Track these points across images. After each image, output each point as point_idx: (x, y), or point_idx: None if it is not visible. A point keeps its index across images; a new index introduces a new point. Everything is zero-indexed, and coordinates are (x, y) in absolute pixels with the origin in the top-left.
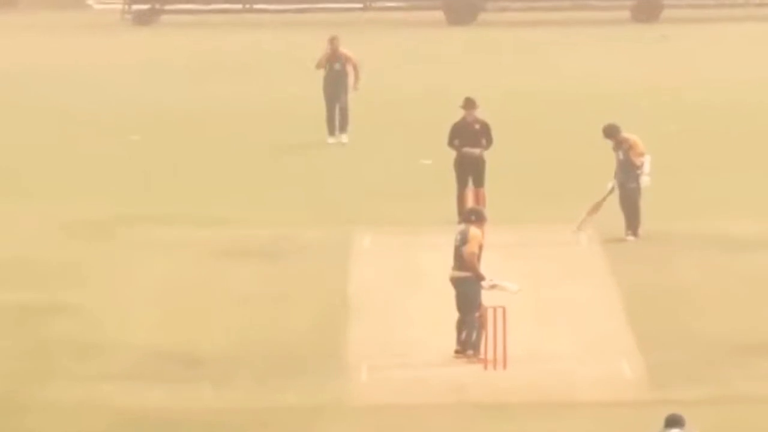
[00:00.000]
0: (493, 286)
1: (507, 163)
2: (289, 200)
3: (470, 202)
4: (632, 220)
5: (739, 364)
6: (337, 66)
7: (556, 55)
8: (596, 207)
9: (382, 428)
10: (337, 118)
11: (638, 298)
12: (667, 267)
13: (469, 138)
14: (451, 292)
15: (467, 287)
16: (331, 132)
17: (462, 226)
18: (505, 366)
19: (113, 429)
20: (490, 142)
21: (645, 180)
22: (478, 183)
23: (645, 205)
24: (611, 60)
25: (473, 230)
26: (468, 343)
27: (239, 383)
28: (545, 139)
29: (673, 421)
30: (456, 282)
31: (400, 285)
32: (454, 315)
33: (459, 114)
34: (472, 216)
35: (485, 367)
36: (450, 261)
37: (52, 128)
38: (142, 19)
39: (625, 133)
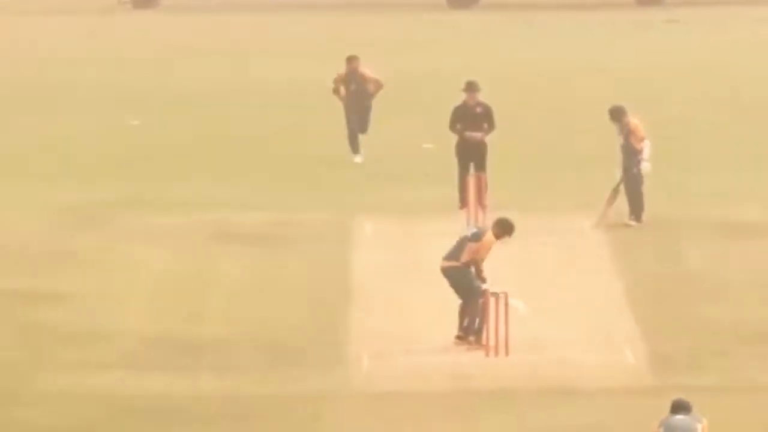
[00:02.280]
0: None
1: (509, 147)
2: (289, 186)
3: (472, 187)
4: (635, 206)
5: (743, 351)
6: (352, 87)
7: (560, 39)
8: (612, 197)
9: (384, 416)
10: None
11: (642, 286)
12: (671, 254)
13: (471, 122)
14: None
15: (455, 275)
16: (355, 150)
17: (481, 226)
18: (507, 353)
19: (108, 418)
20: (492, 126)
21: (645, 166)
22: (480, 167)
23: (649, 191)
24: (617, 44)
25: (489, 236)
26: (470, 330)
27: (238, 371)
28: (549, 124)
29: (679, 406)
30: (445, 271)
31: (401, 272)
32: (456, 302)
33: (461, 97)
34: (497, 226)
35: (487, 355)
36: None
37: (48, 112)
38: (142, 3)
39: (629, 117)
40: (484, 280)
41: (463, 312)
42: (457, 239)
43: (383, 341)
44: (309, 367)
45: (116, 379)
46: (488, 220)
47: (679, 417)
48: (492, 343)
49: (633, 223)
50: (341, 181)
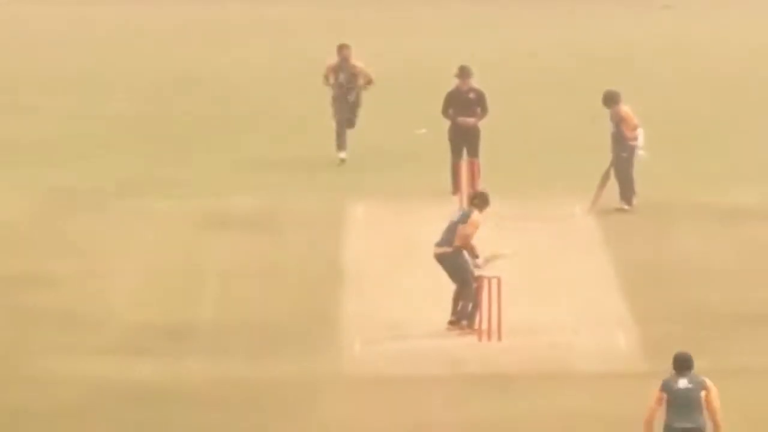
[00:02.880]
0: (488, 260)
1: (502, 132)
2: (281, 169)
3: (465, 173)
4: (625, 190)
5: (736, 335)
6: (341, 78)
7: (555, 22)
8: (603, 182)
9: (376, 400)
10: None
11: (634, 270)
12: (664, 238)
13: (464, 107)
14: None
15: (450, 261)
16: (340, 147)
17: (465, 207)
18: (500, 338)
19: (100, 402)
20: (485, 111)
21: (641, 154)
22: (473, 153)
23: (643, 175)
24: (612, 28)
25: (476, 215)
26: (463, 314)
27: (230, 355)
28: (543, 109)
29: (682, 364)
30: (439, 258)
31: (393, 256)
32: (449, 287)
33: (453, 83)
34: (475, 200)
35: (480, 339)
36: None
37: (40, 95)
38: None
39: (621, 105)
40: (477, 257)
41: (457, 297)
42: (447, 224)
43: (375, 326)
44: (300, 351)
45: (106, 363)
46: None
47: (683, 385)
48: (485, 327)
49: (625, 206)
50: (333, 166)
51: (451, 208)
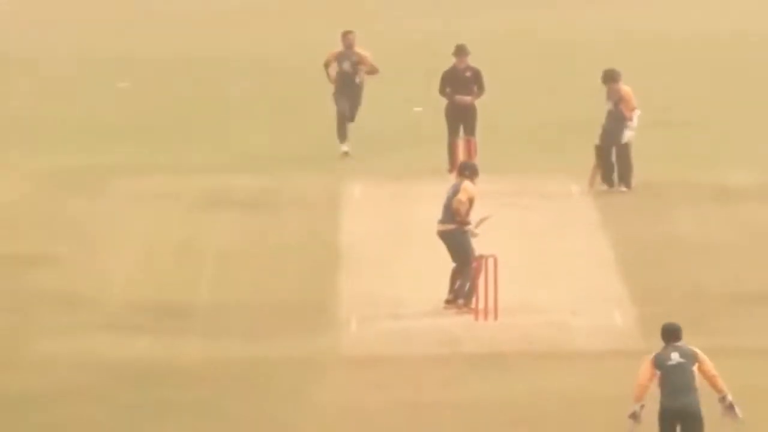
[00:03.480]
0: (478, 224)
1: (499, 111)
2: (278, 150)
3: (461, 151)
4: (624, 172)
5: (732, 314)
6: (345, 65)
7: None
8: (599, 162)
9: (372, 380)
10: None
11: (631, 249)
12: (661, 218)
13: (461, 86)
14: (442, 244)
15: (453, 238)
16: (342, 139)
17: (455, 180)
18: (496, 317)
19: (99, 382)
20: (481, 89)
21: (628, 134)
22: (470, 131)
23: (640, 156)
24: (610, 9)
25: (466, 183)
26: (460, 293)
27: (227, 335)
28: (539, 87)
29: (672, 334)
30: (442, 235)
31: (391, 236)
32: (447, 266)
33: (450, 61)
34: (465, 171)
35: (476, 318)
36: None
37: (36, 76)
38: None
39: (621, 84)
40: (467, 223)
41: (455, 275)
42: (444, 201)
43: (372, 305)
44: (298, 331)
45: (106, 344)
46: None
47: (675, 360)
48: (482, 307)
49: (623, 189)
50: (330, 145)
51: (447, 185)
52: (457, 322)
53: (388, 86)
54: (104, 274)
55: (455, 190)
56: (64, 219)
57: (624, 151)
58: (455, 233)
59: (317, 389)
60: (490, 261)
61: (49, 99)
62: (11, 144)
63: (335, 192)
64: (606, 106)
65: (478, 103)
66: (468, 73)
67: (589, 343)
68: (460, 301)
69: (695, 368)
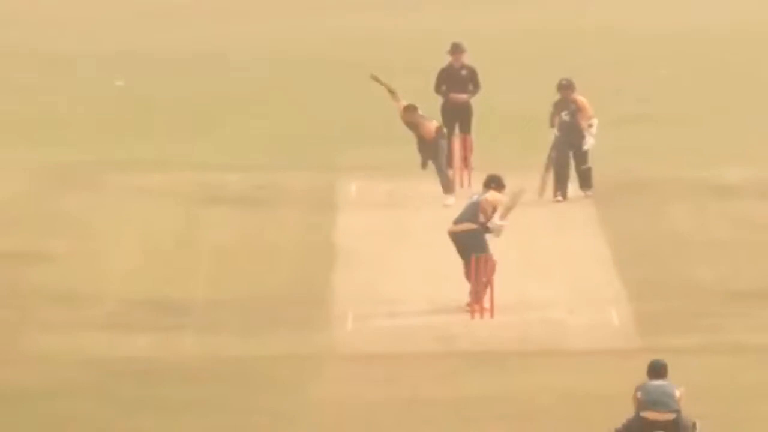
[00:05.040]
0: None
1: (494, 108)
2: (274, 146)
3: (457, 148)
4: (587, 177)
5: (729, 312)
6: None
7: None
8: (548, 167)
9: (368, 378)
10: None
11: (627, 247)
12: (657, 215)
13: (456, 84)
14: (438, 241)
15: (473, 238)
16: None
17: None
18: (492, 315)
19: (95, 379)
20: (477, 87)
21: (590, 141)
22: (465, 129)
23: (633, 153)
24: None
25: (493, 194)
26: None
27: (223, 332)
28: (534, 84)
29: (654, 370)
30: (458, 235)
31: (386, 233)
32: (442, 264)
33: (446, 59)
34: (492, 183)
35: (472, 316)
36: (441, 213)
37: (32, 72)
38: None
39: (577, 94)
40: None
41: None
42: (466, 205)
43: (368, 303)
44: (294, 328)
45: (102, 340)
46: (474, 180)
47: (656, 382)
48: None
49: (590, 192)
50: (326, 142)
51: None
52: (454, 319)
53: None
54: (101, 270)
55: (481, 200)
56: (60, 215)
57: (585, 158)
58: (473, 233)
59: (314, 386)
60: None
61: (45, 94)
62: (7, 140)
63: (331, 189)
64: (560, 117)
65: (474, 100)
66: (464, 71)
67: (586, 341)
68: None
69: (678, 393)
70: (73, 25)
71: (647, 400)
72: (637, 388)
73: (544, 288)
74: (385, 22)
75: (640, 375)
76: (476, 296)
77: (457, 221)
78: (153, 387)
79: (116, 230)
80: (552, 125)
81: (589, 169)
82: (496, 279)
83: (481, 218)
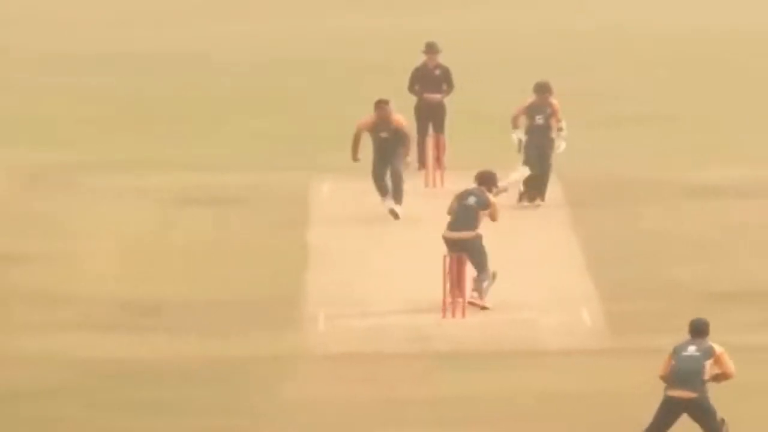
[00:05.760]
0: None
1: (468, 108)
2: (247, 146)
3: (430, 148)
4: (545, 184)
5: (701, 312)
6: (384, 134)
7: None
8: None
9: (340, 378)
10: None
11: (600, 246)
12: (632, 215)
13: (430, 83)
14: (410, 241)
15: (476, 244)
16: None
17: (475, 190)
18: (464, 315)
19: (72, 380)
20: (451, 87)
21: (564, 146)
22: (439, 129)
23: (606, 152)
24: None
25: (491, 197)
26: (480, 289)
27: (198, 333)
28: (504, 84)
29: (697, 329)
30: (462, 243)
31: (359, 233)
32: (416, 264)
33: (420, 59)
34: (485, 181)
35: (444, 316)
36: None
37: (12, 72)
38: None
39: (553, 97)
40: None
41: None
42: (460, 209)
43: (341, 303)
44: (268, 329)
45: (78, 341)
46: (446, 180)
47: (689, 353)
48: (450, 304)
49: (540, 202)
50: (298, 141)
51: (418, 182)
52: (426, 320)
53: (356, 82)
54: (78, 271)
55: (483, 205)
56: (37, 217)
57: (550, 163)
58: (476, 240)
59: (287, 386)
60: (457, 259)
61: (20, 94)
62: None
63: (304, 189)
64: (534, 121)
65: (447, 100)
66: (437, 71)
67: (558, 341)
68: (474, 294)
69: (707, 364)
70: (54, 25)
71: (675, 374)
72: (674, 350)
73: (515, 288)
74: (367, 23)
75: (613, 374)
76: (485, 292)
77: (454, 227)
78: (129, 388)
79: (93, 231)
80: (516, 127)
81: (548, 176)
82: (469, 278)
83: (480, 225)
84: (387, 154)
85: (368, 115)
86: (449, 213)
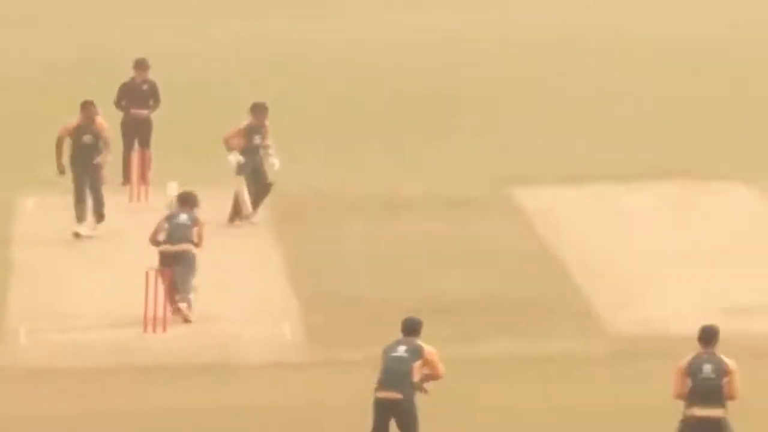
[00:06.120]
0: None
1: (171, 122)
2: None
3: (136, 163)
4: (260, 201)
5: (397, 325)
6: (87, 138)
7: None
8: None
9: (41, 392)
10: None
11: (301, 261)
12: (333, 230)
13: (137, 99)
14: (114, 256)
15: (189, 260)
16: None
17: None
18: (164, 329)
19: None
20: (157, 102)
21: (277, 163)
22: (144, 143)
23: (307, 167)
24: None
25: (197, 213)
26: (187, 300)
27: None
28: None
29: (410, 328)
30: (176, 255)
31: (62, 249)
32: (116, 279)
33: (129, 74)
34: (188, 201)
35: (144, 330)
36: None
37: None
38: None
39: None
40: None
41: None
42: (170, 225)
43: (42, 317)
44: None
45: None
46: (151, 195)
47: (398, 354)
48: (150, 318)
49: (256, 220)
50: (4, 158)
51: (120, 197)
52: (127, 334)
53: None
54: None
55: (192, 221)
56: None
57: (268, 182)
58: (193, 255)
59: None
60: (153, 274)
61: (20, 94)
62: None
63: (8, 204)
64: (252, 140)
65: (154, 115)
66: (145, 86)
67: (259, 354)
68: (183, 305)
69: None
70: (53, 23)
71: (383, 374)
72: (384, 351)
73: (217, 302)
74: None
75: (313, 386)
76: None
77: (175, 240)
78: None
79: None
80: (231, 149)
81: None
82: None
83: (197, 238)
84: (86, 164)
85: (71, 119)
86: (159, 230)
